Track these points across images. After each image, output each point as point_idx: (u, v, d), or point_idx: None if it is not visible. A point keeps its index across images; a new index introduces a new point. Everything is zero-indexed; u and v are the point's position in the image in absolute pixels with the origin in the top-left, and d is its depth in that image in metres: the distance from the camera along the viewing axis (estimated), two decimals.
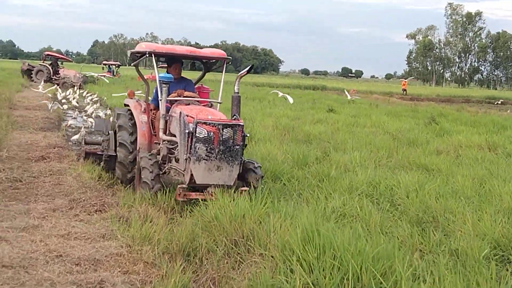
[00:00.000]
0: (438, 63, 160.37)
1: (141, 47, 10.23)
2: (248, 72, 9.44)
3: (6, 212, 8.05)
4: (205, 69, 11.29)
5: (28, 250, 6.41)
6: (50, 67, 44.69)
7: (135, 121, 10.24)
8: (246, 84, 51.53)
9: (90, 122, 18.25)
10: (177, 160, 8.95)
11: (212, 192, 8.18)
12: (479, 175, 11.01)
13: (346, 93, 36.92)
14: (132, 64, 10.92)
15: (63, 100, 26.53)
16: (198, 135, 8.28)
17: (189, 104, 9.54)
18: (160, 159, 9.29)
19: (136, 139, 10.10)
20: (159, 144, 9.65)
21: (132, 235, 7.09)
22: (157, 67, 9.85)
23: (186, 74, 10.85)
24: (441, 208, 8.31)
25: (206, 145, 8.29)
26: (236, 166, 8.50)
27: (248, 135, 8.94)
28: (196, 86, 10.86)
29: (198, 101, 9.89)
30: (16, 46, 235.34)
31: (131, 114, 10.42)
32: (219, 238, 6.78)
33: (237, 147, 8.49)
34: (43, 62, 46.29)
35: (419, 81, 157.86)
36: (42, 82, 37.89)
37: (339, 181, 10.04)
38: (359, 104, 35.03)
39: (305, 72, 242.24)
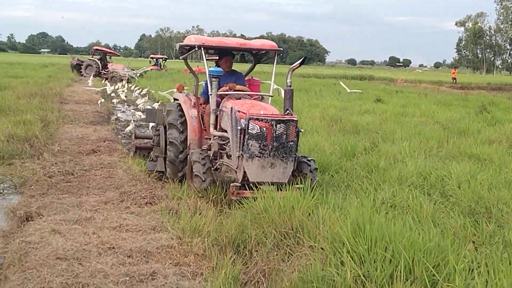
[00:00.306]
0: (488, 50, 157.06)
1: (190, 40, 10.03)
2: (300, 64, 9.09)
3: (59, 205, 8.19)
4: (255, 61, 10.96)
5: (81, 242, 6.51)
6: (99, 62, 45.39)
7: (185, 118, 10.01)
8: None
9: (139, 115, 18.46)
10: (228, 156, 8.74)
11: (266, 190, 7.80)
12: None
13: (344, 85, 34.57)
14: (180, 58, 10.62)
15: (112, 94, 26.88)
16: (250, 132, 8.08)
17: (240, 98, 9.28)
18: (211, 154, 9.12)
19: (186, 137, 9.91)
20: (210, 139, 9.43)
21: (182, 227, 7.14)
22: (206, 60, 9.61)
23: (235, 66, 10.66)
24: (494, 198, 8.14)
25: (259, 141, 8.10)
26: (290, 163, 8.28)
27: (302, 130, 8.64)
28: (246, 79, 10.61)
29: (249, 94, 9.60)
30: (66, 42, 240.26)
31: (181, 109, 10.16)
32: (268, 230, 6.77)
33: (291, 143, 8.26)
34: (92, 57, 47.05)
35: (469, 69, 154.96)
36: (92, 77, 38.51)
37: (388, 172, 9.93)
38: (407, 94, 34.58)
39: (351, 62, 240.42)
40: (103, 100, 20.08)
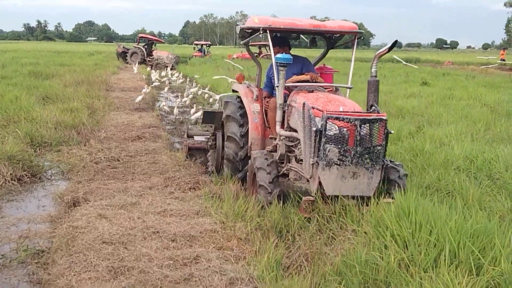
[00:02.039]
0: None
1: (253, 21, 8.41)
2: (390, 49, 7.46)
3: (105, 190, 8.34)
4: (328, 46, 9.40)
5: (126, 227, 6.62)
6: (144, 49, 45.78)
7: (245, 111, 8.78)
8: (336, 59, 50.97)
9: (184, 101, 18.65)
10: (298, 161, 7.47)
11: (346, 205, 6.63)
12: None
13: (398, 58, 32.52)
14: (241, 43, 9.51)
15: (156, 82, 27.09)
16: (328, 134, 6.56)
17: (312, 91, 7.87)
18: (277, 158, 7.79)
19: (247, 131, 8.66)
20: (275, 139, 8.20)
21: (225, 212, 7.19)
22: (273, 45, 8.30)
23: (303, 52, 10.10)
24: None
25: (339, 146, 6.57)
26: (376, 172, 6.74)
27: (392, 132, 7.09)
28: (317, 67, 9.20)
29: (323, 86, 8.16)
30: (111, 30, 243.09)
31: (241, 102, 8.95)
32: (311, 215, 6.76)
33: (379, 147, 6.72)
34: (137, 44, 47.47)
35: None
36: (137, 64, 38.91)
37: (434, 156, 9.79)
38: (454, 76, 33.98)
39: (398, 45, 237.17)
40: (147, 90, 20.25)
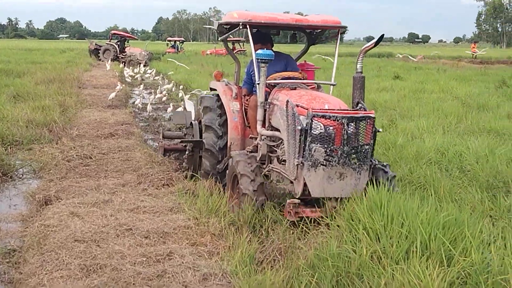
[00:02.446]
0: (509, 24, 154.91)
1: (232, 16, 8.15)
2: (376, 44, 7.16)
3: (77, 188, 8.28)
4: (309, 42, 9.13)
5: (99, 225, 6.59)
6: (116, 46, 45.49)
7: (225, 119, 8.53)
8: (310, 54, 51.04)
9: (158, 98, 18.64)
10: (280, 161, 7.13)
11: (333, 207, 6.38)
12: None
13: (411, 57, 33.01)
14: (219, 39, 9.05)
15: (128, 79, 26.92)
16: (314, 133, 6.29)
17: (295, 89, 7.56)
18: (258, 158, 7.40)
19: (226, 121, 8.45)
20: (255, 139, 7.89)
21: (199, 208, 7.19)
22: (253, 41, 7.88)
23: (284, 48, 9.81)
24: None
25: (325, 145, 6.30)
26: (364, 173, 6.50)
27: (380, 130, 6.87)
28: (298, 64, 8.82)
29: (305, 83, 7.83)
30: (84, 27, 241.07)
31: (219, 101, 8.72)
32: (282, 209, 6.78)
33: (367, 147, 6.50)
34: (109, 41, 47.16)
35: (489, 44, 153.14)
36: (109, 61, 38.66)
37: (406, 149, 9.88)
38: (426, 70, 34.28)
39: (370, 39, 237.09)
40: (120, 87, 20.13)
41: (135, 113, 16.89)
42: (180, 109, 15.36)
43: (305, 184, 6.42)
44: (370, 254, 5.23)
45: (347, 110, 6.65)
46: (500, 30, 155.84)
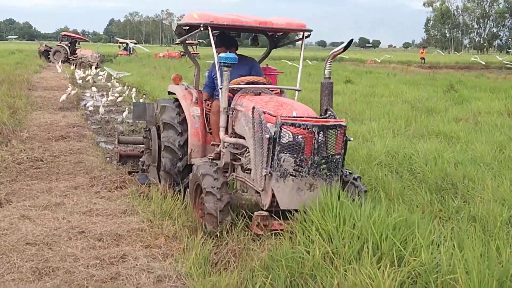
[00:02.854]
0: (456, 30, 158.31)
1: (192, 17, 7.79)
2: (345, 49, 7.09)
3: (28, 191, 8.16)
4: (271, 45, 8.86)
5: (51, 228, 6.51)
6: (67, 48, 44.90)
7: (184, 117, 8.16)
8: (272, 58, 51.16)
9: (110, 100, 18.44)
10: (244, 170, 6.85)
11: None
12: (499, 141, 10.96)
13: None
14: (178, 41, 8.64)
15: (79, 81, 26.61)
16: (283, 142, 6.03)
17: (259, 94, 7.26)
18: (221, 166, 7.11)
19: (186, 140, 8.05)
20: (218, 146, 7.52)
21: (152, 211, 7.17)
22: (217, 44, 7.60)
23: (245, 51, 9.16)
24: (460, 175, 8.31)
25: (295, 155, 6.05)
26: (335, 183, 6.24)
27: (351, 139, 6.78)
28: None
29: (269, 88, 7.55)
30: (33, 28, 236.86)
31: (179, 106, 8.32)
32: (239, 211, 6.81)
33: (337, 156, 6.26)
34: (60, 43, 46.50)
35: (438, 49, 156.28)
36: (60, 63, 38.13)
37: (357, 152, 10.02)
38: (376, 74, 34.81)
39: (321, 44, 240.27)
40: (71, 89, 19.86)
41: (87, 116, 16.71)
42: (141, 100, 14.86)
43: (273, 195, 6.16)
44: (322, 255, 5.30)
45: (316, 118, 6.42)
46: (448, 35, 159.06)
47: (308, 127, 6.03)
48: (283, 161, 6.03)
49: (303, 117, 6.26)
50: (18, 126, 13.42)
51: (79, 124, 14.25)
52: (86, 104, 18.56)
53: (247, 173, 6.76)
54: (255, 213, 6.21)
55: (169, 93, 9.01)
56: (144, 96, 20.38)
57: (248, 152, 6.63)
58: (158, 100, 8.85)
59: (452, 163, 8.91)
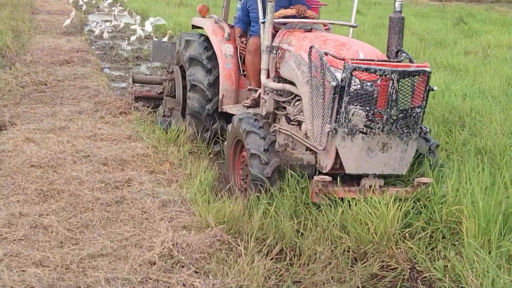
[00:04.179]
0: None
1: None
2: None
3: (32, 114, 8.12)
4: None
5: (55, 151, 6.49)
6: None
7: (213, 53, 7.28)
8: None
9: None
10: (291, 121, 5.91)
11: (372, 186, 5.15)
12: (507, 75, 10.80)
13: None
14: None
15: (83, 6, 26.24)
16: (353, 91, 4.91)
17: (310, 30, 6.17)
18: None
19: (216, 80, 7.16)
20: (255, 91, 6.64)
21: (157, 137, 7.18)
22: None
23: None
24: (467, 108, 8.22)
25: (367, 108, 4.95)
26: (412, 143, 5.17)
27: (435, 88, 5.36)
28: None
29: (322, 23, 6.67)
30: None
31: (207, 41, 7.43)
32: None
33: (418, 110, 5.12)
34: None
35: None
36: None
37: None
38: (385, 6, 34.23)
39: None
40: (75, 13, 19.51)
41: (91, 41, 16.50)
42: (165, 39, 13.21)
43: (336, 156, 5.11)
44: None
45: (391, 61, 5.38)
46: None
47: (386, 73, 4.87)
48: (352, 114, 4.93)
49: (374, 61, 5.17)
50: (21, 49, 13.25)
51: (83, 49, 14.07)
52: (90, 28, 18.31)
53: (293, 125, 5.86)
54: (315, 178, 5.12)
55: (193, 27, 8.13)
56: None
57: (298, 101, 5.76)
58: (181, 35, 7.93)
59: (460, 96, 8.81)
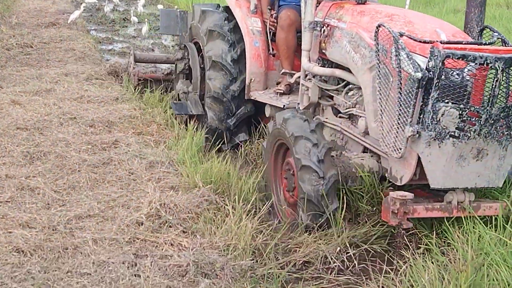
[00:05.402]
0: None
1: None
2: None
3: (18, 77, 8.04)
4: None
5: (41, 113, 6.43)
6: None
7: (236, 25, 6.19)
8: None
9: None
10: (339, 114, 4.95)
11: (461, 204, 4.18)
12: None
13: None
14: None
15: None
16: (444, 84, 3.81)
17: (364, 2, 4.95)
18: (303, 107, 5.21)
19: (242, 55, 6.07)
20: (289, 75, 5.68)
21: (145, 99, 7.12)
22: None
23: None
24: None
25: (461, 105, 3.85)
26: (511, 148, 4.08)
27: None
28: None
29: None
30: None
31: (228, 12, 6.33)
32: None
33: None
34: None
35: None
36: None
37: None
38: None
39: None
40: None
41: (77, 2, 16.26)
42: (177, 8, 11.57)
43: (418, 166, 4.06)
44: None
45: (486, 44, 4.26)
46: None
47: (489, 61, 3.76)
48: (442, 114, 3.85)
49: (462, 43, 4.07)
50: (6, 12, 13.09)
51: (69, 11, 13.85)
52: None
53: (342, 118, 4.93)
54: (391, 193, 4.09)
55: None
56: None
57: (351, 90, 4.79)
58: (195, 6, 6.74)
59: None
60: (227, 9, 6.35)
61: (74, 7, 14.99)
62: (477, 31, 4.48)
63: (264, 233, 4.22)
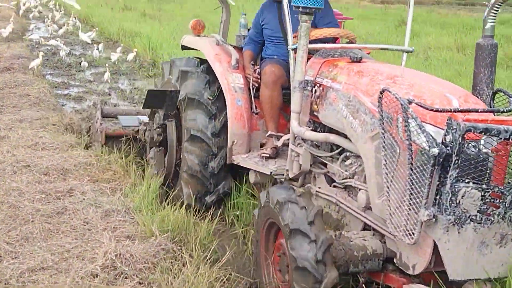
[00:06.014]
0: None
1: None
2: None
3: None
4: None
5: None
6: None
7: (218, 89, 5.66)
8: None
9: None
10: (333, 183, 4.47)
11: None
12: (448, 76, 11.06)
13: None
14: None
15: (23, 10, 25.72)
16: (465, 162, 3.31)
17: (359, 60, 4.50)
18: (292, 175, 4.73)
19: (224, 127, 5.53)
20: (275, 137, 5.24)
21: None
22: None
23: None
24: None
25: (483, 185, 3.36)
26: None
27: None
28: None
29: (367, 48, 5.33)
30: None
31: (208, 71, 5.78)
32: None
33: None
34: None
35: None
36: None
37: None
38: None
39: None
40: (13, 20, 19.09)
41: (32, 47, 16.19)
42: (130, 56, 12.09)
43: (434, 253, 3.50)
44: None
45: (504, 111, 3.84)
46: None
47: (507, 133, 3.25)
48: (463, 196, 3.34)
49: (477, 111, 3.60)
50: None
51: (24, 56, 13.79)
52: (31, 35, 17.96)
53: (337, 187, 4.42)
54: (404, 286, 3.64)
55: (184, 48, 6.37)
56: (92, 28, 19.78)
57: (348, 158, 4.28)
58: (173, 61, 6.18)
59: None
60: (207, 68, 5.79)
61: (29, 51, 14.93)
62: (487, 93, 4.05)
63: (224, 282, 4.21)
